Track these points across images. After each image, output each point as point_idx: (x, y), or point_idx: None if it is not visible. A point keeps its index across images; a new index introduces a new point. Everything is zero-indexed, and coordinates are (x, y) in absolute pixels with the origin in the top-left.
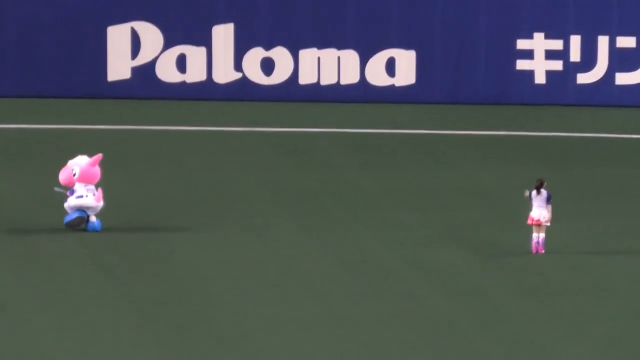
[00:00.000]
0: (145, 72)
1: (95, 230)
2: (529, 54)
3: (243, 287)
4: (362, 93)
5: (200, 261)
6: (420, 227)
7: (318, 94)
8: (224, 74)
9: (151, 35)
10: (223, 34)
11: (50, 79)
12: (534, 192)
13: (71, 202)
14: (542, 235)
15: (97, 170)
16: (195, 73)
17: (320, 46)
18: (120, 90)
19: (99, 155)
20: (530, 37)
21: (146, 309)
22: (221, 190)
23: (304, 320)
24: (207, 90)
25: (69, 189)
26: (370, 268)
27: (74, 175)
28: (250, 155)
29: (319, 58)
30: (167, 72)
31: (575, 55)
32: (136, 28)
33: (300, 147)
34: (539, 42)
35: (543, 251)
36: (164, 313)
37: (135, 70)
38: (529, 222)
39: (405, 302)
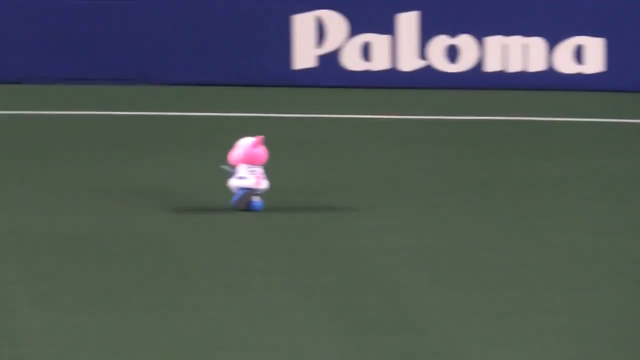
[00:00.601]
0: (330, 61)
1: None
2: None
3: (422, 274)
4: (550, 81)
5: (375, 248)
6: (603, 216)
7: (504, 81)
8: (409, 61)
9: (336, 23)
10: (408, 22)
11: (236, 67)
12: None
13: (233, 182)
14: None
15: (261, 151)
16: (380, 61)
17: (506, 33)
18: (306, 78)
19: (260, 137)
20: None
21: (329, 294)
22: (400, 178)
23: (487, 309)
24: (391, 78)
25: (235, 168)
26: (549, 257)
27: (238, 156)
28: (432, 143)
29: (505, 45)
30: (352, 60)
31: None
32: (321, 16)
33: (485, 135)
34: None
35: None
36: (346, 299)
37: (320, 59)
38: None
39: (589, 292)
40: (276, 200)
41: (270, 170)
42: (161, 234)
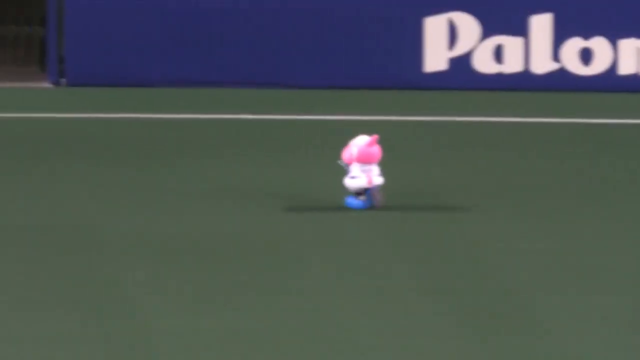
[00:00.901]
0: (462, 63)
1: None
2: None
3: (545, 277)
4: None
5: (496, 250)
6: None
7: (638, 84)
8: (542, 64)
9: (468, 25)
10: (541, 24)
11: (366, 70)
12: None
13: (346, 182)
14: None
15: (375, 150)
16: (512, 63)
17: None
18: (437, 81)
19: (375, 136)
20: None
21: (451, 298)
22: (525, 181)
23: (612, 311)
24: (524, 81)
25: (349, 167)
26: None
27: (353, 155)
28: (563, 146)
29: (639, 48)
30: (483, 62)
31: None
32: (453, 19)
33: (617, 138)
34: None
35: None
36: (470, 302)
37: (451, 61)
38: None
39: None
40: (399, 202)
41: (396, 172)
42: (282, 235)
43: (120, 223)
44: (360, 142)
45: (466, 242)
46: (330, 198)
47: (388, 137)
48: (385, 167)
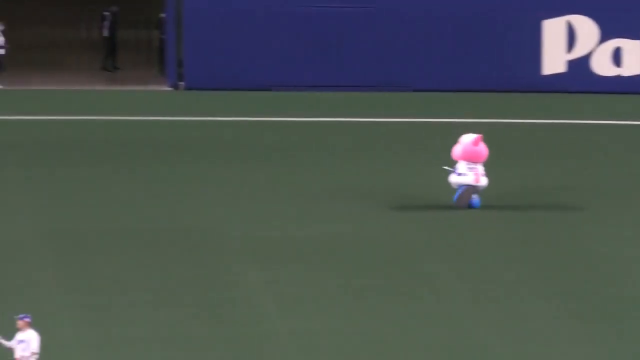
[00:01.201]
0: (581, 66)
1: (473, 207)
2: None
3: None
4: None
5: (621, 255)
6: None
7: None
8: None
9: (587, 28)
10: None
11: (485, 73)
12: None
13: (452, 179)
14: None
15: (480, 149)
16: (631, 66)
17: None
18: (555, 83)
19: (479, 135)
20: None
21: (571, 301)
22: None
23: None
24: None
25: (455, 165)
26: None
27: (458, 153)
28: None
29: None
30: (602, 65)
31: None
32: (572, 21)
33: None
34: None
35: None
36: (589, 306)
37: (570, 64)
38: None
39: None
40: (516, 203)
41: (513, 174)
42: (399, 237)
43: (239, 225)
44: (466, 140)
45: (583, 245)
46: (445, 198)
47: (506, 140)
48: (501, 168)
